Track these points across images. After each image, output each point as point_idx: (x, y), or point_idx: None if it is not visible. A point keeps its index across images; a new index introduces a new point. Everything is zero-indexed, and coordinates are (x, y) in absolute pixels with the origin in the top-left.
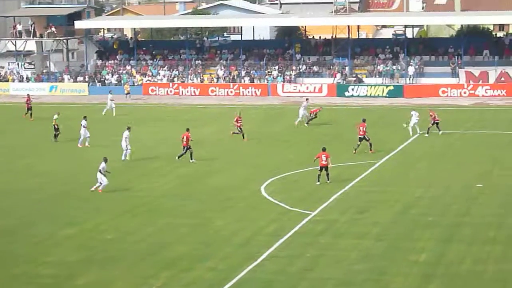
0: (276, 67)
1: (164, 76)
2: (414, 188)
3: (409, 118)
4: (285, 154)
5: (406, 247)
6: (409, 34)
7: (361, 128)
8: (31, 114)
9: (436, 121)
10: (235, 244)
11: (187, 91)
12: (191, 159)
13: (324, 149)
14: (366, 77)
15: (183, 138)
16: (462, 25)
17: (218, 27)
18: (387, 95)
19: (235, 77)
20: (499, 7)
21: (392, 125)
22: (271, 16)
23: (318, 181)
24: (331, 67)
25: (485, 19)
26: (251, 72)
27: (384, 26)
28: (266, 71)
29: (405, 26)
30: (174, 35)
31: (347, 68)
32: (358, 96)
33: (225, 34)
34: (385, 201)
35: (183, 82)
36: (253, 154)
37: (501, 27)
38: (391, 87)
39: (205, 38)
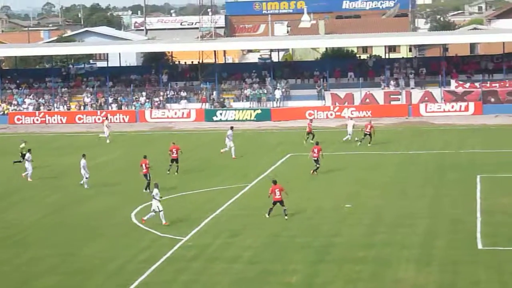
0: (144, 93)
1: (30, 104)
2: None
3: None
4: (154, 180)
5: (278, 270)
6: (275, 58)
7: (315, 150)
8: None
9: (366, 132)
10: (107, 273)
11: (54, 119)
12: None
13: (275, 182)
14: (234, 101)
15: (142, 165)
16: (326, 48)
17: (84, 54)
18: (255, 119)
19: (102, 104)
20: (362, 30)
21: (261, 148)
22: (137, 42)
23: (268, 214)
24: (199, 92)
25: (349, 41)
26: (119, 98)
27: (250, 51)
28: (134, 98)
29: (271, 50)
30: (40, 63)
31: (214, 92)
32: (227, 120)
33: (91, 61)
34: (257, 224)
35: (50, 110)
36: (122, 181)
37: (365, 49)
38: (259, 111)
39: (70, 66)
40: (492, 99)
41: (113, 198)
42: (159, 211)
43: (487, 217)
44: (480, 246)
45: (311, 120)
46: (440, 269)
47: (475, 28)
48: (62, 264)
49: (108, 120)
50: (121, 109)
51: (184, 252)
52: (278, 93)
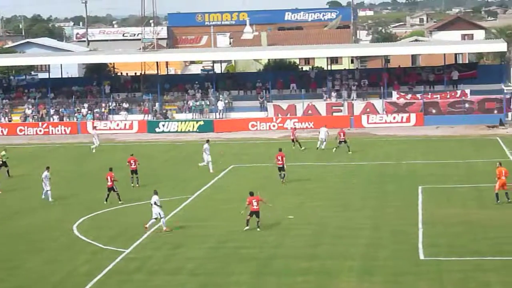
0: (86, 105)
1: None
2: (228, 221)
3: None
4: (98, 192)
5: (221, 282)
6: (217, 69)
7: (279, 157)
8: None
9: (341, 140)
10: (49, 286)
11: None
12: (120, 200)
13: (251, 194)
14: (177, 112)
15: (107, 178)
16: (269, 60)
17: (25, 65)
18: (198, 130)
19: (44, 116)
20: (304, 42)
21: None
22: (79, 54)
23: (247, 225)
24: (141, 103)
25: (291, 53)
26: (60, 110)
27: (192, 62)
28: (76, 109)
29: (213, 62)
30: None
31: (157, 104)
32: (169, 132)
33: (32, 72)
34: (200, 236)
35: None
36: (64, 193)
37: (307, 61)
38: (202, 122)
39: (12, 77)
40: (434, 111)
41: (55, 210)
42: (161, 217)
43: (429, 227)
44: (422, 256)
45: (295, 128)
46: (382, 280)
47: (416, 40)
48: (6, 278)
49: (96, 129)
50: (63, 120)
51: (126, 264)
52: (220, 105)
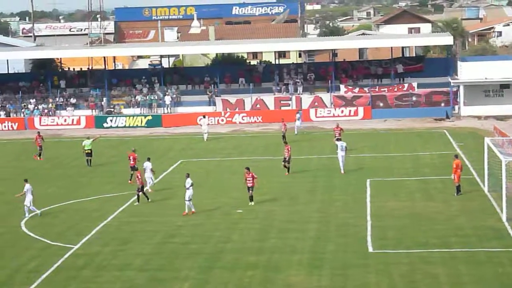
0: (32, 101)
1: None
2: (176, 217)
3: None
4: (44, 188)
5: (170, 277)
6: (165, 64)
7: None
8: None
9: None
10: None
11: None
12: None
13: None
14: (124, 107)
15: (130, 158)
16: (217, 54)
17: None
18: (146, 125)
19: None
20: (252, 36)
21: (152, 155)
22: (25, 49)
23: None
24: (88, 98)
25: (239, 47)
26: (7, 106)
27: (140, 57)
28: (22, 105)
29: (161, 56)
30: None
31: (104, 99)
32: (117, 127)
33: None
34: (147, 232)
35: None
36: (10, 189)
37: (255, 55)
38: (150, 117)
39: None
40: (381, 104)
41: (1, 207)
42: (189, 200)
43: (377, 220)
44: (370, 249)
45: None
46: (331, 273)
47: (363, 34)
48: None
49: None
50: (10, 116)
51: (75, 261)
52: (168, 99)
